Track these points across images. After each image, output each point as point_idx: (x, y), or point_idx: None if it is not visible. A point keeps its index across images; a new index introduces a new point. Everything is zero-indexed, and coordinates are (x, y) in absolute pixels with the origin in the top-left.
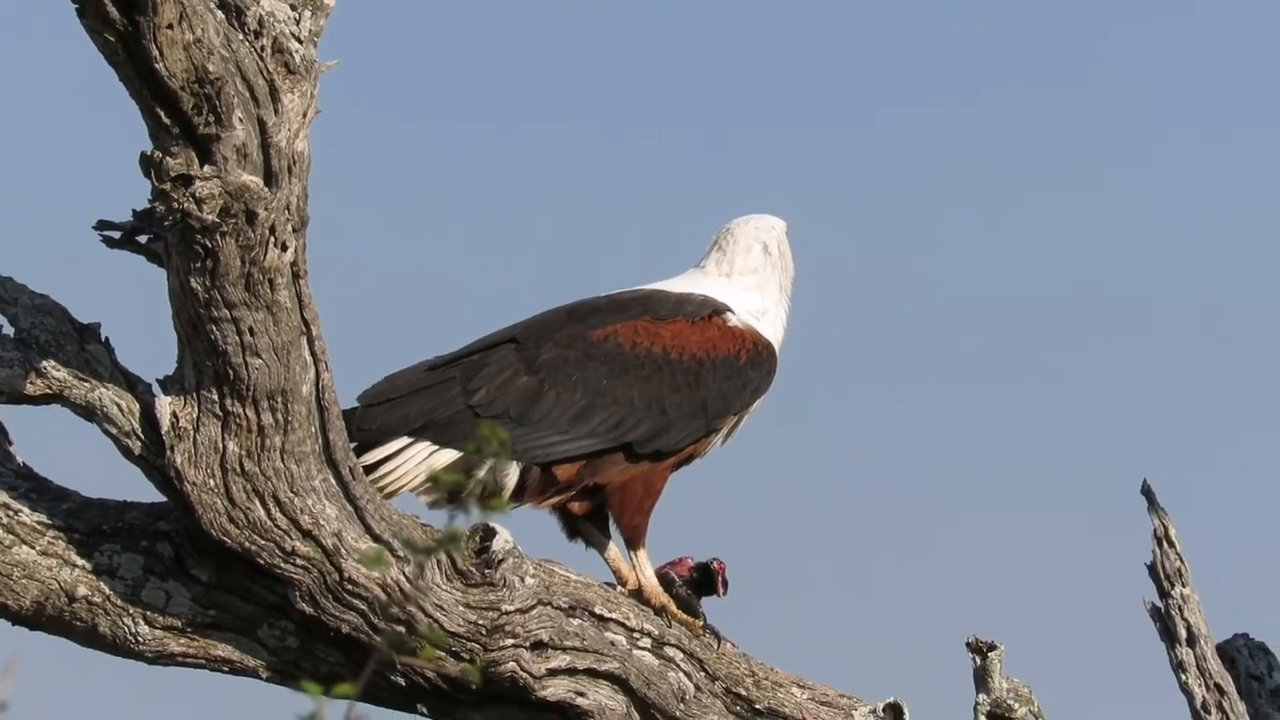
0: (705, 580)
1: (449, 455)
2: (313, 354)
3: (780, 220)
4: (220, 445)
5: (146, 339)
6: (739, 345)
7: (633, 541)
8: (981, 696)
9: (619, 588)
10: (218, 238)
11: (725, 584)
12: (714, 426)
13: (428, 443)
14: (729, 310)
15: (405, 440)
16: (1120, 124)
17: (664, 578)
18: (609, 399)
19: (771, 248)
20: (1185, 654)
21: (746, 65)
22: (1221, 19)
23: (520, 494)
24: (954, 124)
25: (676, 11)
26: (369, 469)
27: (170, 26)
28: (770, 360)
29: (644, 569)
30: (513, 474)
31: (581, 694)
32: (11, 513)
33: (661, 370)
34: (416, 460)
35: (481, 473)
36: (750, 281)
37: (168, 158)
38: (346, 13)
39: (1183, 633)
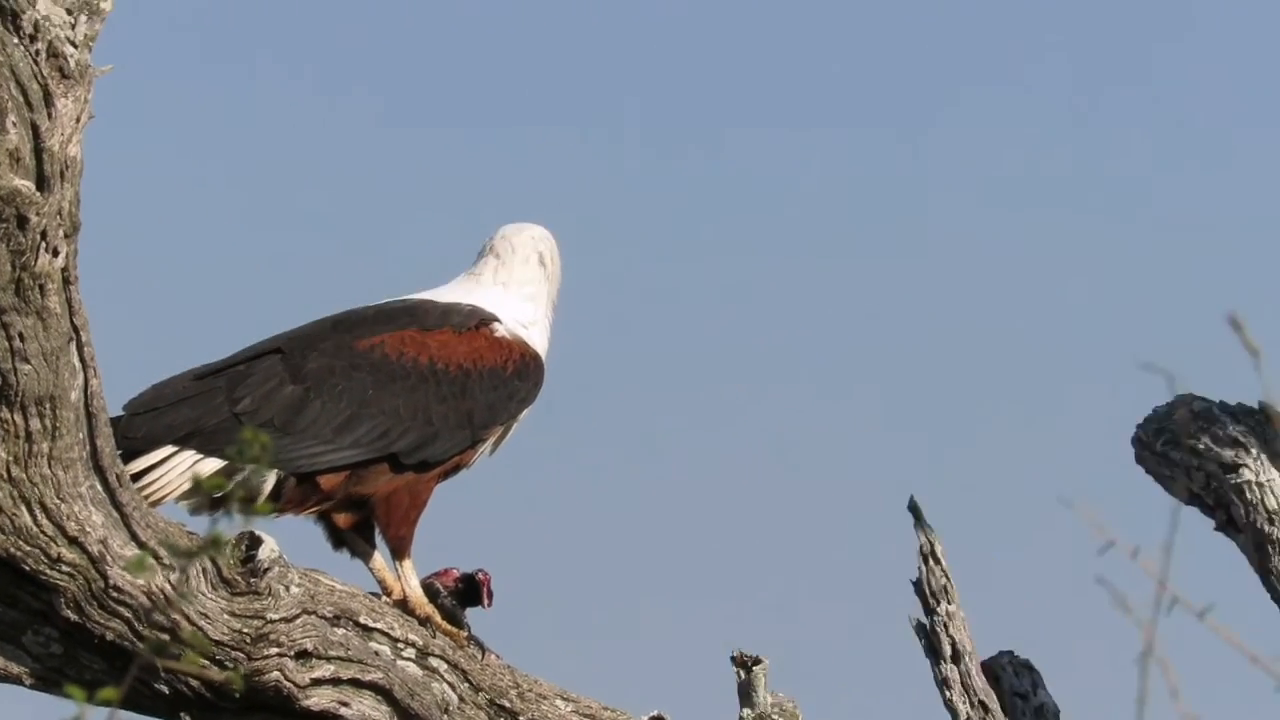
0: (470, 591)
1: (214, 464)
2: (82, 360)
3: (542, 230)
4: None
5: None
6: (506, 356)
7: (398, 552)
8: (746, 711)
9: (384, 598)
10: None
11: (490, 595)
12: (480, 437)
13: (192, 451)
14: (497, 320)
15: (170, 449)
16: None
17: (429, 588)
18: (374, 409)
19: (546, 258)
20: (950, 671)
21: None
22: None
23: (277, 500)
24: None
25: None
26: (134, 477)
27: None
28: (537, 371)
29: (409, 579)
30: (269, 481)
31: (345, 704)
32: None
33: (427, 380)
34: (181, 469)
35: (240, 477)
36: (526, 292)
37: None
38: (122, 19)
39: (948, 649)
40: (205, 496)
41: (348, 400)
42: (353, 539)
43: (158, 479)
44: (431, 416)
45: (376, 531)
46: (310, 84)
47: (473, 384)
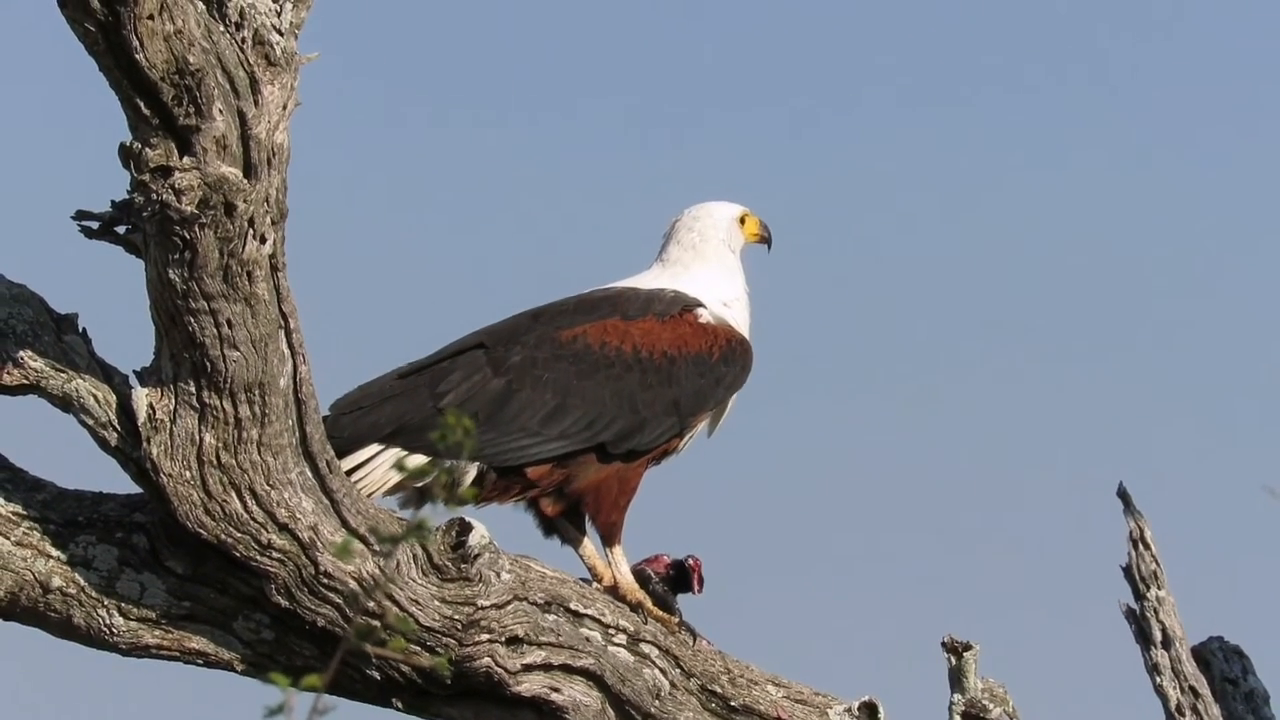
0: (681, 577)
1: (419, 460)
2: (290, 347)
3: (731, 205)
4: (197, 437)
5: (124, 330)
6: (711, 342)
7: (608, 538)
8: (956, 696)
9: (595, 584)
10: (196, 229)
11: (701, 581)
12: (687, 424)
13: (398, 449)
14: (701, 305)
15: (376, 448)
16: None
17: (640, 574)
18: (579, 400)
19: (724, 233)
20: (1160, 656)
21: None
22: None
23: (480, 489)
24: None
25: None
26: None
27: (151, 17)
28: (745, 355)
29: (620, 565)
30: (470, 472)
31: (556, 690)
32: None
33: (632, 369)
34: (386, 466)
35: (446, 463)
36: (723, 268)
37: (147, 149)
38: (328, 6)
39: (1158, 635)
40: (413, 489)
41: (552, 391)
42: (563, 525)
43: (364, 478)
44: (638, 405)
45: (586, 518)
46: (523, 74)
47: (678, 371)
